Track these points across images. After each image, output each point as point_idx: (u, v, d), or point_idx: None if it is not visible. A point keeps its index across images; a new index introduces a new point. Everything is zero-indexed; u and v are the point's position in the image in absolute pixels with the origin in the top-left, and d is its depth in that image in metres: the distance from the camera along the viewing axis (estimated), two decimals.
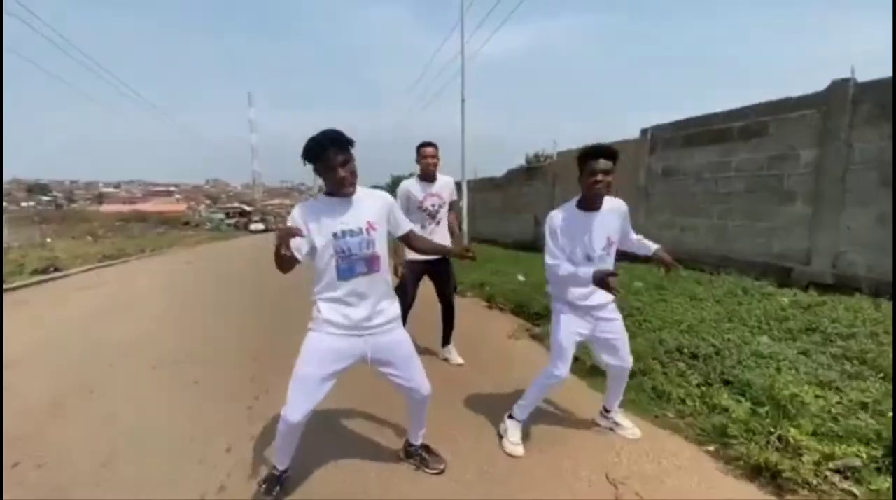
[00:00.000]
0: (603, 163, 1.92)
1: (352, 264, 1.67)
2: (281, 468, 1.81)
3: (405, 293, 3.14)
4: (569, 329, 2.05)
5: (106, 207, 38.29)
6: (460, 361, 3.43)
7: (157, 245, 18.24)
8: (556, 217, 2.02)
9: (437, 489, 1.86)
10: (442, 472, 1.95)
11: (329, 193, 1.71)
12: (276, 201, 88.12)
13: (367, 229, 1.70)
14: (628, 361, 2.17)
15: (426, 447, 2.04)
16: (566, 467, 1.99)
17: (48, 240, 17.78)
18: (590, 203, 2.01)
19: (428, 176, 3.16)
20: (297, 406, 1.66)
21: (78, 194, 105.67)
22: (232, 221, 42.86)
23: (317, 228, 1.64)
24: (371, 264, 1.70)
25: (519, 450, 2.14)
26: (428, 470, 1.96)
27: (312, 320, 1.73)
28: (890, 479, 1.69)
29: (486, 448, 2.18)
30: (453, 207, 3.38)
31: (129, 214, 29.85)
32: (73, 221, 24.26)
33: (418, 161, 3.17)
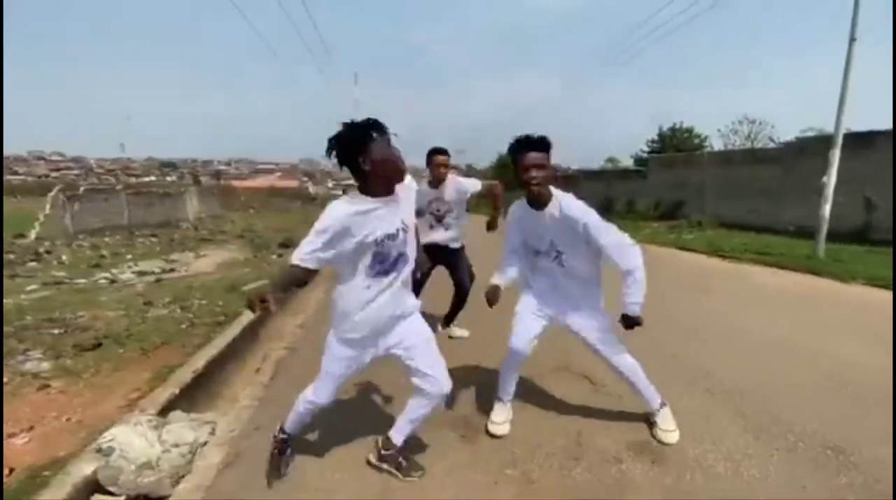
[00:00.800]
0: (532, 156, 1.80)
1: (386, 266, 1.59)
2: (291, 432, 1.84)
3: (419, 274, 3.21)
4: (528, 304, 2.11)
5: (242, 183, 44.47)
6: (465, 333, 3.62)
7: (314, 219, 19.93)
8: (511, 211, 2.07)
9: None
10: (420, 477, 1.79)
11: (368, 193, 1.54)
12: None
13: (401, 229, 1.61)
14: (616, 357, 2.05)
15: (402, 451, 1.82)
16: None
17: (226, 212, 21.99)
18: (529, 200, 1.93)
19: (437, 182, 3.22)
20: (323, 392, 1.72)
21: (200, 172, 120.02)
22: None
23: (354, 235, 1.51)
24: (399, 263, 1.63)
25: (500, 429, 2.11)
26: (407, 478, 1.78)
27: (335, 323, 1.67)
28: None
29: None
30: (481, 192, 3.36)
31: (267, 190, 34.87)
32: (231, 195, 29.09)
33: (429, 166, 3.24)
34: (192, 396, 2.52)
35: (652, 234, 11.23)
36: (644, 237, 10.60)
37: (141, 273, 6.75)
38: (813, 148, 10.13)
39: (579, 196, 1.96)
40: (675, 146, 22.67)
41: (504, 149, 3.21)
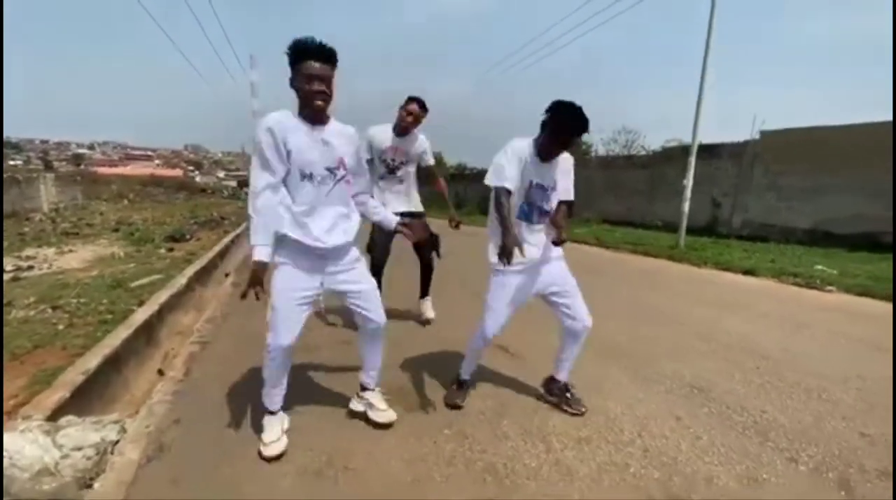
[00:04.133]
0: (319, 67, 1.57)
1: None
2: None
3: (376, 251, 3.16)
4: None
5: (111, 170, 38.51)
6: (431, 315, 3.54)
7: (209, 212, 16.44)
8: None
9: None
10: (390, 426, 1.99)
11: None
12: None
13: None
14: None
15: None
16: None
17: (91, 201, 18.91)
18: (308, 117, 1.68)
19: (401, 129, 3.06)
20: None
21: (52, 156, 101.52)
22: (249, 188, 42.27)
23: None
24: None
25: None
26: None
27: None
28: None
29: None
30: (430, 170, 3.31)
31: (146, 178, 30.56)
32: (98, 183, 25.03)
33: (400, 111, 3.05)
34: (86, 399, 2.23)
35: None
36: None
37: None
38: (676, 156, 11.96)
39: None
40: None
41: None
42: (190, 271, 5.12)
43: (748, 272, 6.17)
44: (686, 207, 8.45)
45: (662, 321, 3.85)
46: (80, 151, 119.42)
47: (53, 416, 1.98)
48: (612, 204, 14.23)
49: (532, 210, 1.99)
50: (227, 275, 5.77)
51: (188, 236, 8.88)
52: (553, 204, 2.01)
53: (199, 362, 2.80)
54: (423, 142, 3.20)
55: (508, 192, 1.85)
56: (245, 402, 2.20)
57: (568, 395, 2.21)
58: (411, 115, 3.03)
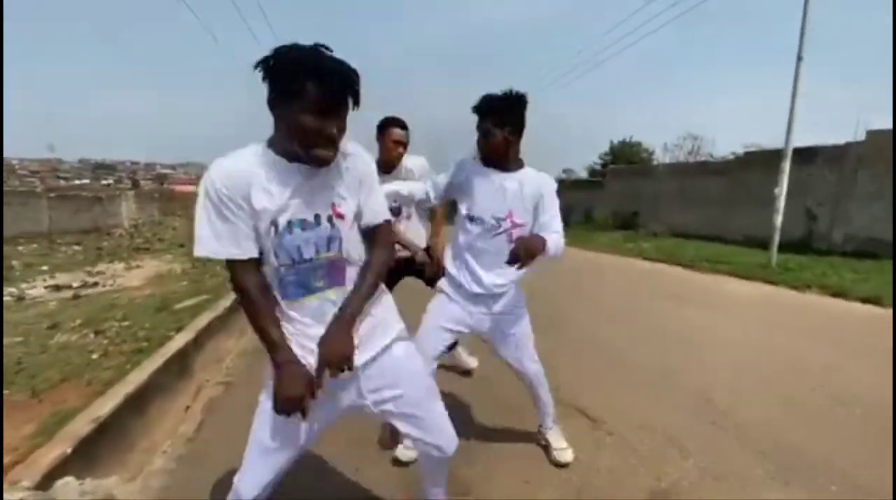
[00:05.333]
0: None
1: (303, 276, 1.09)
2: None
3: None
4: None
5: (189, 188, 41.72)
6: (472, 365, 2.95)
7: None
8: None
9: None
10: None
11: (286, 152, 1.03)
12: None
13: (329, 218, 1.08)
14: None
15: None
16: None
17: (166, 217, 20.38)
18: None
19: (389, 165, 2.36)
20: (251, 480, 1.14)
21: (140, 175, 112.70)
22: None
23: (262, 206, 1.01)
24: (332, 273, 1.12)
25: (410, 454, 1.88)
26: None
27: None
28: None
29: None
30: (433, 211, 2.54)
31: None
32: (174, 200, 27.12)
33: (379, 142, 2.36)
34: (93, 452, 1.97)
35: (611, 243, 11.37)
36: (603, 247, 10.70)
37: (56, 287, 5.84)
38: (757, 162, 10.68)
39: None
40: (627, 159, 23.56)
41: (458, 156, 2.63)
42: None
43: (868, 300, 5.09)
44: (779, 219, 7.34)
45: (761, 364, 3.08)
46: (164, 171, 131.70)
47: (49, 477, 1.71)
48: (681, 215, 13.00)
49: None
50: None
51: None
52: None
53: (216, 413, 2.47)
54: (417, 164, 2.44)
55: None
56: None
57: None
58: (399, 144, 2.36)
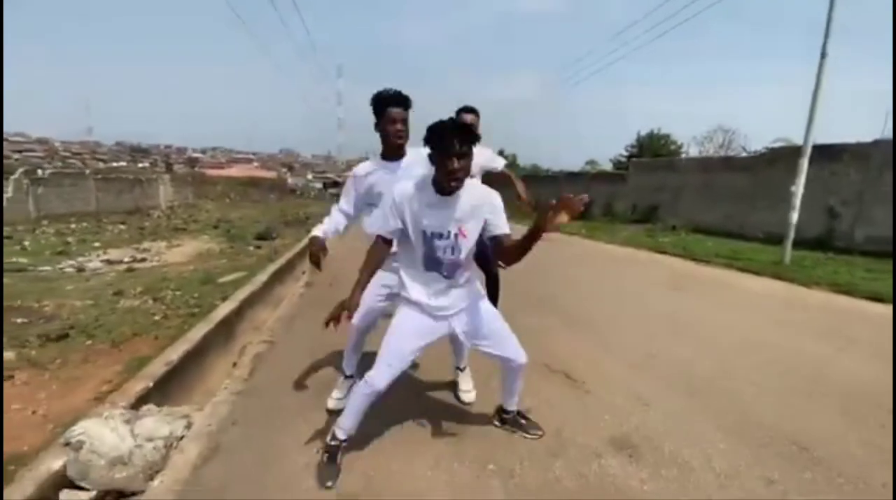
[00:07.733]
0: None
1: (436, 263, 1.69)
2: (343, 436, 1.75)
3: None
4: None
5: (217, 172, 43.18)
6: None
7: (297, 211, 17.27)
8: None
9: None
10: (540, 437, 2.05)
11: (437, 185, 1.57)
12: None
13: (456, 235, 1.62)
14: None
15: (521, 414, 2.12)
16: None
17: (199, 200, 21.35)
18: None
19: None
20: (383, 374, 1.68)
21: (173, 159, 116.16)
22: (335, 190, 44.22)
23: (408, 219, 1.63)
24: (453, 269, 1.70)
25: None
26: (527, 435, 2.05)
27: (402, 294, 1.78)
28: None
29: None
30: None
31: (245, 179, 34.00)
32: (206, 184, 28.25)
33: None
34: (166, 389, 2.45)
35: (630, 236, 11.48)
36: (623, 240, 10.83)
37: (109, 262, 6.50)
38: (783, 158, 10.53)
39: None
40: (653, 151, 23.23)
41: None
42: (271, 268, 5.50)
43: (872, 298, 5.20)
44: (794, 216, 7.39)
45: (746, 350, 3.35)
46: (195, 155, 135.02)
47: (137, 404, 2.18)
48: (704, 211, 12.93)
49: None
50: (303, 273, 6.10)
51: (274, 236, 9.59)
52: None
53: (264, 362, 2.94)
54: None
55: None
56: (298, 409, 2.27)
57: (523, 421, 2.14)
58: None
